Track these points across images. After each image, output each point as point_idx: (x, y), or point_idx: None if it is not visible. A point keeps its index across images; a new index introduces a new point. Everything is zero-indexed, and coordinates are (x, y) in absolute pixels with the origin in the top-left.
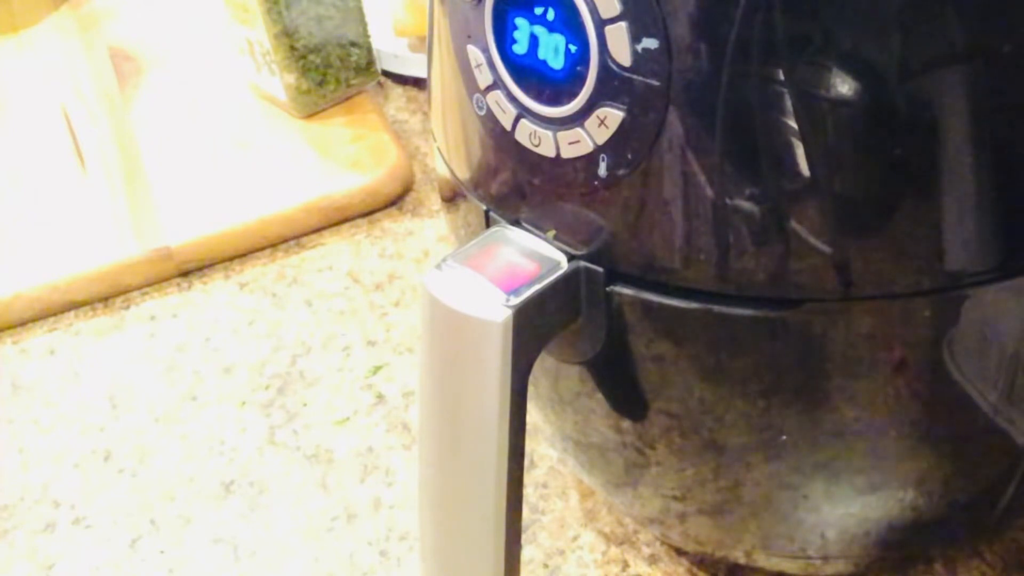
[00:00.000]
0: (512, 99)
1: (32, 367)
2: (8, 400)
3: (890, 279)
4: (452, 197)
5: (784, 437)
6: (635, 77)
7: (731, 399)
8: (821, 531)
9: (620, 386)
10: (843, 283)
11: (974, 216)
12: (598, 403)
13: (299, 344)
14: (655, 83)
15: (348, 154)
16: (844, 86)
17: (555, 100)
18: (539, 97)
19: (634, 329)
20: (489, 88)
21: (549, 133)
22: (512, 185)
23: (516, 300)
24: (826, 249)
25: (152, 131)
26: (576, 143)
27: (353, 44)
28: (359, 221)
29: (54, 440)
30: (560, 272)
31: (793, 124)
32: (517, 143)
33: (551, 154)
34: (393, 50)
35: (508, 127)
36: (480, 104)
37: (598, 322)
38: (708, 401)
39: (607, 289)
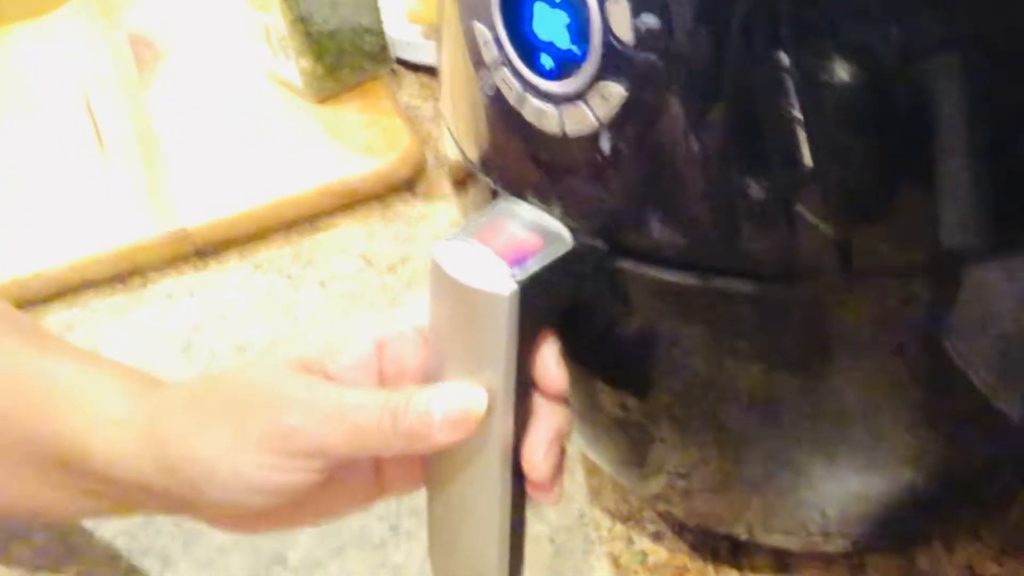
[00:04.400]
0: (518, 76)
1: None
2: None
3: (888, 255)
4: (463, 179)
5: (785, 413)
6: (637, 53)
7: (733, 374)
8: (821, 508)
9: (624, 361)
10: (842, 259)
11: (969, 194)
12: (602, 378)
13: (312, 323)
14: (657, 59)
15: (362, 139)
16: (843, 64)
17: (559, 76)
18: (544, 73)
19: (638, 303)
20: (496, 65)
21: (554, 110)
22: (519, 162)
23: (522, 274)
24: (825, 225)
25: (170, 115)
26: (580, 120)
27: (367, 30)
28: (373, 204)
29: None
30: (565, 247)
31: (793, 101)
32: (523, 121)
33: (556, 131)
34: (406, 37)
35: (514, 104)
36: (487, 82)
37: (602, 297)
38: (711, 376)
39: (611, 264)
